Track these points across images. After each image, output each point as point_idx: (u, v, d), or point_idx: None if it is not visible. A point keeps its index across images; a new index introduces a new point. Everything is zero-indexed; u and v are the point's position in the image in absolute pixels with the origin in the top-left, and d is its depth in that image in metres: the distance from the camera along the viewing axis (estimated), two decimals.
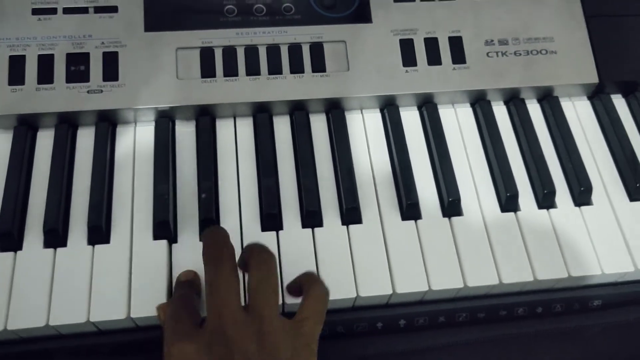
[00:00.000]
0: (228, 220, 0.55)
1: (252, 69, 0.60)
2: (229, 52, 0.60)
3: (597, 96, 0.65)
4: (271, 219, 0.54)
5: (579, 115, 0.64)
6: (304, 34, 0.62)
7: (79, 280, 0.51)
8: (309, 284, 0.47)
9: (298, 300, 0.48)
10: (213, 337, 0.40)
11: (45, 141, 0.57)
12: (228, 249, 0.44)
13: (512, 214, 0.57)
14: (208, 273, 0.43)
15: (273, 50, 0.61)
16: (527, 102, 0.64)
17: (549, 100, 0.64)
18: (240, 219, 0.55)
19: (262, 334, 0.41)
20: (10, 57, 0.57)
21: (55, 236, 0.52)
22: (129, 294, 0.51)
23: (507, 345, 0.56)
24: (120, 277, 0.51)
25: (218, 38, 0.60)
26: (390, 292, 0.52)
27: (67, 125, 0.58)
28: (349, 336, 0.55)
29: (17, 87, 0.57)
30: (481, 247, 0.55)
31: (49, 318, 0.49)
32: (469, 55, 0.63)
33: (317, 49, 0.61)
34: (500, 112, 0.64)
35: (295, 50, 0.61)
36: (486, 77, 0.62)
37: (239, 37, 0.61)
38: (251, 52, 0.60)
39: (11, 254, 0.52)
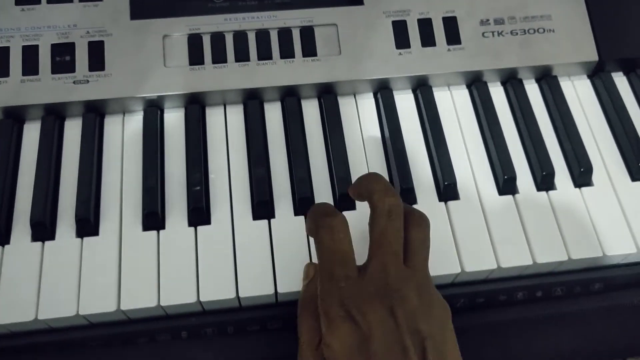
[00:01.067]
0: (218, 209, 0.54)
1: (241, 55, 0.59)
2: (217, 39, 0.59)
3: (598, 74, 0.63)
4: (263, 207, 0.53)
5: (579, 94, 0.62)
6: (294, 18, 0.60)
7: (68, 273, 0.50)
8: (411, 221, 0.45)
9: None
10: (378, 292, 0.40)
11: (31, 133, 0.57)
12: (401, 202, 0.44)
13: (510, 196, 0.56)
14: (378, 221, 0.43)
15: (262, 36, 0.59)
16: (525, 82, 0.63)
17: (547, 80, 0.62)
18: (231, 207, 0.54)
19: (421, 287, 0.42)
20: None
21: (43, 229, 0.51)
22: (119, 286, 0.50)
23: (506, 330, 0.54)
24: (110, 269, 0.50)
25: (206, 24, 0.59)
26: None
27: (53, 117, 0.57)
28: None
29: (1, 79, 0.56)
30: (479, 231, 0.54)
31: (38, 312, 0.48)
32: (464, 35, 0.61)
33: (307, 33, 0.60)
34: (498, 93, 0.62)
35: (285, 34, 0.59)
36: (482, 58, 0.61)
37: (227, 23, 0.59)
38: (240, 37, 0.59)
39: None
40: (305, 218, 0.53)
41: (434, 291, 0.43)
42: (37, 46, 0.57)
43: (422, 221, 0.44)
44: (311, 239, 0.51)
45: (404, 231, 0.44)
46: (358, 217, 0.53)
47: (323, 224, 0.43)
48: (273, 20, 0.60)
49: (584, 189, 0.57)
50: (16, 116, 0.57)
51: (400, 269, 0.42)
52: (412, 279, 0.42)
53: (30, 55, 0.57)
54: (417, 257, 0.43)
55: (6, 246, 0.51)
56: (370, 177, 0.47)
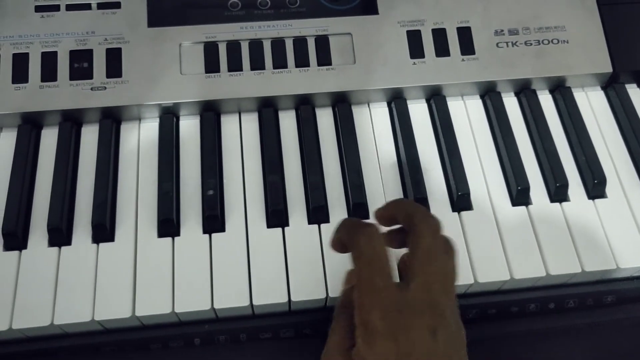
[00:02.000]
0: (233, 217, 0.54)
1: (257, 64, 0.59)
2: (233, 47, 0.59)
3: (611, 86, 0.63)
4: (277, 215, 0.54)
5: (592, 105, 0.62)
6: (309, 27, 0.61)
7: (84, 278, 0.50)
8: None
9: None
10: (422, 310, 0.39)
11: (49, 139, 0.57)
12: (439, 221, 0.43)
13: (523, 207, 0.56)
14: (424, 240, 0.41)
15: (278, 44, 0.60)
16: (538, 93, 0.63)
17: (561, 91, 0.62)
18: (245, 215, 0.54)
19: (454, 312, 0.41)
20: (14, 55, 0.57)
21: (60, 235, 0.52)
22: (134, 292, 0.50)
23: (518, 342, 0.54)
24: (125, 275, 0.51)
25: (222, 33, 0.60)
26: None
27: (71, 123, 0.57)
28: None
29: (20, 85, 0.56)
30: (492, 242, 0.54)
31: (54, 317, 0.49)
32: (478, 45, 0.61)
33: (322, 42, 0.60)
34: (511, 104, 0.62)
35: (300, 43, 0.60)
36: (496, 68, 0.61)
37: (243, 32, 0.60)
38: (255, 46, 0.59)
39: (16, 253, 0.52)
40: (319, 227, 0.54)
41: (458, 316, 0.42)
42: (55, 52, 0.58)
43: (451, 248, 0.43)
44: (326, 249, 0.52)
45: None
46: None
47: (362, 231, 0.42)
48: (288, 29, 0.60)
49: (597, 200, 0.57)
50: (34, 122, 0.57)
51: (443, 291, 0.41)
52: (450, 302, 0.41)
53: (48, 61, 0.57)
54: (447, 283, 0.42)
55: (23, 251, 0.52)
56: (409, 201, 0.47)
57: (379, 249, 0.41)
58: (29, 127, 0.57)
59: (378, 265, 0.41)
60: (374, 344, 0.38)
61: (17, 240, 0.52)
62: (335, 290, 0.51)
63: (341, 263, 0.51)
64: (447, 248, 0.43)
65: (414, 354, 0.38)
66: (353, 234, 0.42)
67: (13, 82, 0.56)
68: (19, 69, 0.57)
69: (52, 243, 0.52)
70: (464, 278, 0.52)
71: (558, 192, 0.56)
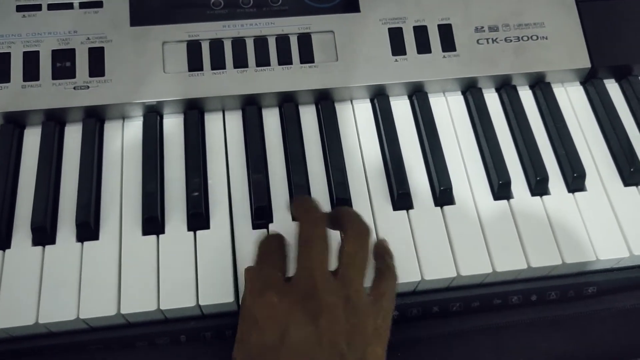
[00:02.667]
0: (217, 215, 0.54)
1: (240, 62, 0.59)
2: (216, 45, 0.59)
3: (590, 81, 0.64)
4: (260, 213, 0.54)
5: (572, 100, 0.63)
6: (292, 25, 0.61)
7: (69, 277, 0.50)
8: (385, 265, 0.46)
9: None
10: (302, 295, 0.40)
11: (32, 138, 0.57)
12: (323, 214, 0.45)
13: (505, 201, 0.57)
14: (303, 231, 0.43)
15: (260, 42, 0.60)
16: (519, 88, 0.63)
17: (541, 87, 0.63)
18: (230, 212, 0.54)
19: (350, 302, 0.41)
20: None
21: (43, 234, 0.52)
22: (119, 290, 0.50)
23: (501, 334, 0.55)
24: (110, 273, 0.51)
25: (204, 31, 0.60)
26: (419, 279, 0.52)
27: (54, 122, 0.57)
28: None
29: (2, 84, 0.56)
30: (474, 236, 0.55)
31: (39, 316, 0.49)
32: (459, 42, 0.62)
33: (305, 40, 0.61)
34: (492, 99, 0.63)
35: (282, 41, 0.60)
36: (477, 65, 0.62)
37: (225, 30, 0.60)
38: (238, 44, 0.60)
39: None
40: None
41: (368, 315, 0.42)
42: (37, 52, 0.57)
43: (358, 235, 0.44)
44: None
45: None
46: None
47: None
48: (271, 27, 0.61)
49: (577, 194, 0.58)
50: (17, 121, 0.57)
51: (328, 277, 0.41)
52: (340, 292, 0.41)
53: (31, 61, 0.57)
54: (347, 271, 0.42)
55: (7, 250, 0.51)
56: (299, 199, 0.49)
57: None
58: (12, 126, 0.57)
59: (276, 258, 0.44)
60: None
61: (0, 240, 0.51)
62: None
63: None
64: (351, 234, 0.44)
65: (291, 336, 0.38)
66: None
67: None
68: (1, 69, 0.57)
69: (36, 242, 0.52)
70: (447, 271, 0.53)
71: (538, 185, 0.57)
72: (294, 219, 0.51)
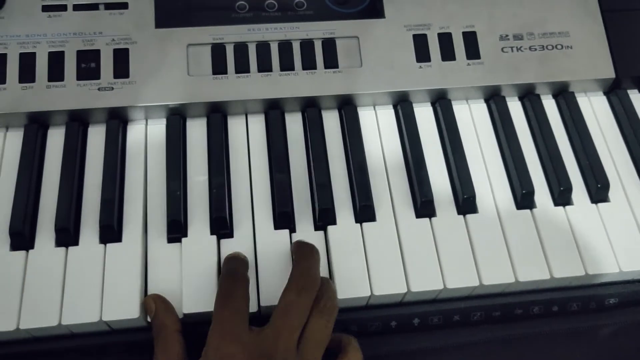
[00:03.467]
0: (240, 219, 0.54)
1: (264, 66, 0.59)
2: (241, 49, 0.59)
3: (614, 91, 0.64)
4: (284, 217, 0.54)
5: (595, 110, 0.63)
6: (316, 30, 0.61)
7: (91, 279, 0.50)
8: (349, 349, 0.48)
9: None
10: (261, 355, 0.42)
11: (56, 139, 0.57)
12: (317, 282, 0.47)
13: (527, 211, 0.56)
14: (288, 295, 0.45)
15: (285, 47, 0.60)
16: (542, 97, 0.63)
17: (564, 96, 0.63)
18: (252, 217, 0.54)
19: None
20: (21, 54, 0.57)
21: (67, 235, 0.52)
22: (141, 292, 0.50)
23: (522, 344, 0.55)
24: (133, 276, 0.51)
25: (229, 34, 0.60)
26: (405, 290, 0.52)
27: (77, 123, 0.57)
28: (363, 335, 0.54)
29: (27, 84, 0.56)
30: (497, 245, 0.54)
31: (62, 317, 0.49)
32: (484, 50, 0.62)
33: (329, 45, 0.60)
34: (515, 108, 0.63)
35: (307, 46, 0.60)
36: (501, 73, 0.61)
37: (250, 34, 0.60)
38: (263, 48, 0.60)
39: (23, 253, 0.51)
40: (325, 231, 0.54)
41: None
42: (62, 52, 0.57)
43: (326, 311, 0.46)
44: (334, 251, 0.52)
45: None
46: (379, 228, 0.54)
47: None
48: (296, 31, 0.61)
49: (600, 204, 0.57)
50: (41, 122, 0.57)
51: (290, 347, 0.43)
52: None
53: (56, 61, 0.57)
54: (307, 345, 0.44)
55: (30, 251, 0.51)
56: (306, 247, 0.50)
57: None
58: (36, 126, 0.57)
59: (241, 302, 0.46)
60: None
61: (24, 240, 0.51)
62: (343, 291, 0.51)
63: (349, 264, 0.52)
64: (321, 310, 0.46)
65: None
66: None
67: (20, 82, 0.56)
68: (26, 69, 0.57)
69: (59, 243, 0.52)
70: (469, 280, 0.53)
71: (562, 195, 0.57)
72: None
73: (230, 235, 0.54)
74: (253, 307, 0.49)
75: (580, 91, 0.64)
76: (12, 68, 0.57)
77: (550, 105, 0.63)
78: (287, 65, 0.59)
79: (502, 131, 0.60)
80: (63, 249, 0.52)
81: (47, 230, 0.52)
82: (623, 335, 0.56)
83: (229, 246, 0.53)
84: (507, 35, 0.63)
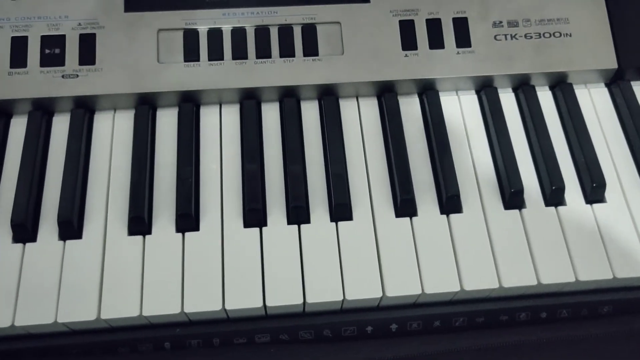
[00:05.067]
0: (208, 215, 0.51)
1: (239, 53, 0.56)
2: (214, 34, 0.56)
3: (616, 83, 0.60)
4: (254, 215, 0.51)
5: (595, 103, 0.59)
6: (296, 15, 0.57)
7: (49, 277, 0.48)
8: None
9: None
10: None
11: (18, 128, 0.54)
12: None
13: (516, 211, 0.53)
14: None
15: (262, 32, 0.57)
16: (537, 89, 0.59)
17: (562, 87, 0.59)
18: (221, 213, 0.51)
19: None
20: None
21: (24, 230, 0.49)
22: (100, 293, 0.48)
23: (507, 353, 0.51)
24: (92, 275, 0.48)
25: (202, 19, 0.56)
26: (380, 295, 0.49)
27: (41, 112, 0.55)
28: (336, 340, 0.51)
29: None
30: (481, 248, 0.51)
31: (15, 318, 0.46)
32: (475, 38, 0.58)
33: (309, 31, 0.57)
34: (508, 100, 0.59)
35: (285, 32, 0.57)
36: (493, 62, 0.58)
37: (225, 18, 0.57)
38: (238, 34, 0.56)
39: None
40: (299, 227, 0.51)
41: None
42: (26, 37, 0.55)
43: None
44: (305, 252, 0.49)
45: None
46: (355, 228, 0.51)
47: None
48: (273, 16, 0.57)
49: (595, 205, 0.53)
50: (2, 110, 0.55)
51: None
52: None
53: (18, 46, 0.55)
54: None
55: None
56: None
57: None
58: None
59: None
60: None
61: None
62: (314, 295, 0.48)
63: (322, 265, 0.49)
64: None
65: None
66: None
67: None
68: None
69: (16, 239, 0.49)
70: (449, 285, 0.49)
71: (554, 195, 0.53)
72: None
73: (195, 228, 0.51)
74: (216, 306, 0.47)
75: (580, 82, 0.60)
76: None
77: (546, 97, 0.59)
78: (263, 52, 0.56)
79: (492, 125, 0.57)
80: (20, 245, 0.49)
81: (4, 225, 0.50)
82: (616, 345, 0.52)
83: (195, 243, 0.50)
84: (500, 22, 0.58)
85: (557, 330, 0.52)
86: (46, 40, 0.55)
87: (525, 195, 0.53)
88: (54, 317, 0.46)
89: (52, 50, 0.54)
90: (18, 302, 0.47)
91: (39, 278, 0.48)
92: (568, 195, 0.54)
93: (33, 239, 0.50)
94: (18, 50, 0.54)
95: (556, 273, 0.50)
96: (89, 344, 0.49)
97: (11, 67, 0.54)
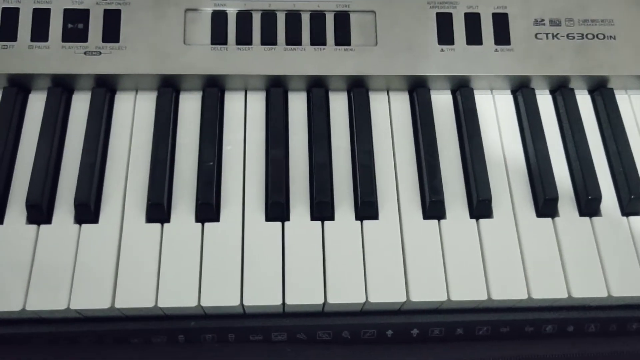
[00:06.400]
0: (229, 207, 0.49)
1: (268, 38, 0.54)
2: (244, 17, 0.54)
3: None
4: (277, 208, 0.49)
5: (636, 111, 0.57)
6: (329, 1, 0.55)
7: (63, 261, 0.46)
8: None
9: None
10: None
11: (36, 104, 0.53)
12: None
13: (549, 219, 0.51)
14: None
15: (293, 18, 0.54)
16: (576, 92, 0.57)
17: (602, 92, 0.56)
18: (243, 205, 0.49)
19: None
20: (3, 9, 0.53)
21: (39, 212, 0.47)
22: (115, 281, 0.46)
23: None
24: (108, 261, 0.47)
25: (232, 1, 0.54)
26: (404, 299, 0.47)
27: (60, 89, 0.53)
28: (355, 342, 0.50)
29: (8, 43, 0.52)
30: (511, 255, 0.49)
31: (26, 302, 0.45)
32: (515, 35, 0.55)
33: (342, 19, 0.55)
34: (545, 102, 0.56)
35: (317, 18, 0.54)
36: (532, 62, 0.55)
37: (255, 1, 0.54)
38: (268, 18, 0.54)
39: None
40: (322, 224, 0.49)
41: None
42: (48, 10, 0.53)
43: None
44: (329, 249, 0.47)
45: None
46: (381, 228, 0.49)
47: None
48: (306, 1, 0.55)
49: (632, 218, 0.51)
50: (21, 85, 0.53)
51: None
52: None
53: (40, 19, 0.53)
54: None
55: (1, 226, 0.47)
56: None
57: None
58: (15, 90, 0.52)
59: None
60: None
61: None
62: (336, 295, 0.46)
63: (345, 265, 0.47)
64: None
65: None
66: None
67: (0, 40, 0.52)
68: (7, 26, 0.52)
69: (30, 220, 0.48)
70: (477, 293, 0.47)
71: (589, 205, 0.51)
72: None
73: (215, 219, 0.49)
74: (234, 302, 0.45)
75: (621, 88, 0.57)
76: None
77: (584, 102, 0.57)
78: (293, 39, 0.54)
79: (527, 128, 0.54)
80: (34, 226, 0.48)
81: (19, 204, 0.48)
82: None
83: (215, 234, 0.48)
84: (542, 20, 0.56)
85: (584, 345, 0.50)
86: (69, 14, 0.53)
87: (559, 204, 0.51)
88: (67, 304, 0.45)
89: (75, 25, 0.52)
90: (30, 285, 0.45)
91: (52, 262, 0.46)
92: (604, 205, 0.52)
93: (48, 220, 0.48)
94: (39, 24, 0.52)
95: (588, 287, 0.48)
96: (101, 332, 0.47)
97: (32, 40, 0.52)
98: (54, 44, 0.52)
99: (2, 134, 0.50)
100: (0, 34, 0.52)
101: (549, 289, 0.48)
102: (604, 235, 0.50)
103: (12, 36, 0.52)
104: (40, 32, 0.52)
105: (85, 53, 0.52)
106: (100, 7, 0.53)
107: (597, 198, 0.51)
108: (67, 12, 0.53)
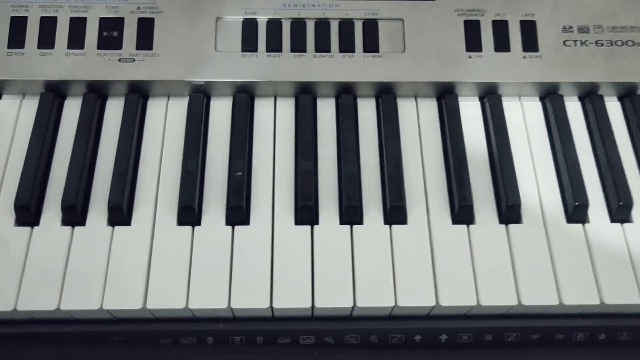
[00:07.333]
0: (258, 211, 0.50)
1: (298, 45, 0.55)
2: (274, 25, 0.55)
3: None
4: (306, 212, 0.49)
5: None
6: (358, 9, 0.56)
7: (95, 263, 0.47)
8: None
9: None
10: None
11: (71, 110, 0.54)
12: None
13: (579, 225, 0.50)
14: None
15: (322, 26, 0.55)
16: (606, 99, 0.56)
17: (632, 99, 0.56)
18: (272, 209, 0.50)
19: None
20: (42, 18, 0.54)
21: (74, 214, 0.48)
22: (147, 282, 0.47)
23: None
24: (139, 263, 0.47)
25: (263, 9, 0.55)
26: (433, 304, 0.47)
27: (95, 95, 0.54)
28: (382, 347, 0.50)
29: (46, 50, 0.53)
30: (541, 261, 0.49)
31: (61, 302, 0.46)
32: (543, 42, 0.56)
33: (370, 27, 0.55)
34: (574, 109, 0.56)
35: (346, 26, 0.55)
36: (561, 69, 0.55)
37: (285, 9, 0.55)
38: (298, 26, 0.55)
39: (27, 229, 0.48)
40: (351, 228, 0.49)
41: None
42: (84, 19, 0.54)
43: None
44: (358, 253, 0.47)
45: None
46: (410, 232, 0.49)
47: None
48: (335, 9, 0.56)
49: None
50: (57, 90, 0.54)
51: None
52: None
53: (76, 27, 0.54)
54: None
55: (35, 228, 0.48)
56: None
57: None
58: (52, 95, 0.54)
59: None
60: None
61: (29, 215, 0.49)
62: (365, 299, 0.46)
63: (373, 269, 0.47)
64: None
65: None
66: None
67: (38, 47, 0.53)
68: (46, 34, 0.54)
69: (65, 222, 0.49)
70: (506, 298, 0.47)
71: (620, 211, 0.51)
72: None
73: (246, 222, 0.49)
74: (264, 304, 0.46)
75: None
76: (32, 32, 0.54)
77: (613, 108, 0.57)
78: (323, 46, 0.55)
79: (556, 134, 0.54)
80: (69, 228, 0.49)
81: (54, 207, 0.49)
82: None
83: (245, 237, 0.48)
84: (571, 27, 0.56)
85: (615, 354, 0.50)
86: (104, 23, 0.54)
87: (589, 210, 0.51)
88: (100, 304, 0.46)
89: (110, 33, 0.54)
90: (64, 286, 0.46)
91: (86, 262, 0.47)
92: (635, 212, 0.51)
93: (82, 222, 0.49)
94: (76, 32, 0.54)
95: (620, 293, 0.47)
96: (132, 332, 0.48)
97: (68, 47, 0.53)
98: (90, 51, 0.53)
99: (40, 138, 0.51)
100: (38, 42, 0.53)
101: (580, 295, 0.47)
102: (635, 242, 0.49)
103: (49, 44, 0.53)
104: (76, 39, 0.54)
105: (119, 60, 0.53)
106: (134, 15, 0.54)
107: (628, 205, 0.50)
108: (102, 20, 0.54)
